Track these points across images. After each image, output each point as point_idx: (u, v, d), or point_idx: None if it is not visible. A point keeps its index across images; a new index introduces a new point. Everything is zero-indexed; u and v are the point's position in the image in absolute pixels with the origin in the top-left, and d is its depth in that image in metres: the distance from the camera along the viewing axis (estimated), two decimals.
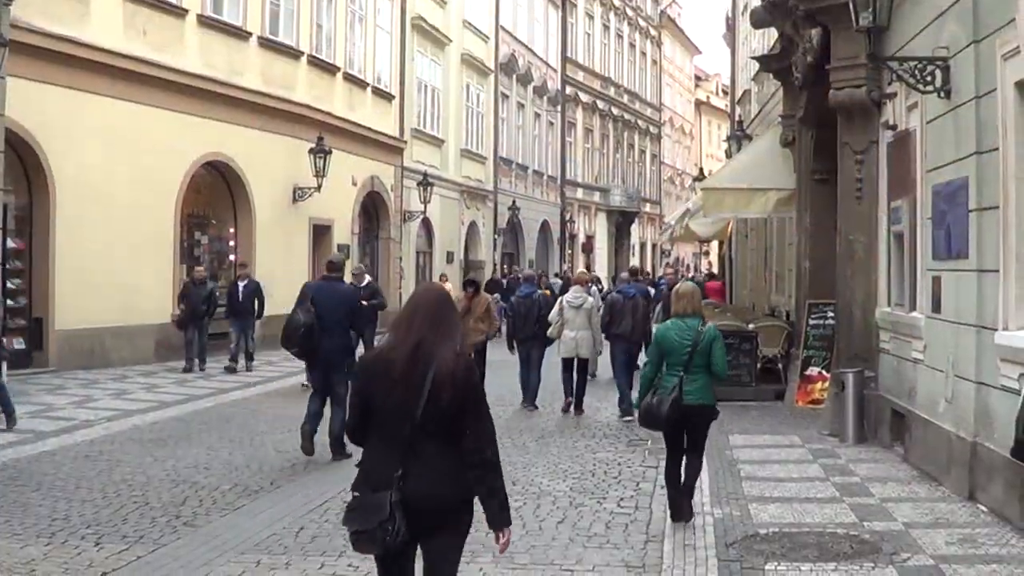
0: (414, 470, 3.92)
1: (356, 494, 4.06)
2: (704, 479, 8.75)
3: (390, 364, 4.04)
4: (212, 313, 16.77)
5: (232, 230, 20.71)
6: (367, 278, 15.90)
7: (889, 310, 10.66)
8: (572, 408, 13.17)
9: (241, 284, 17.08)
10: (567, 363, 13.24)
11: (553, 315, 13.32)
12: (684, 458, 7.48)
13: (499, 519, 4.06)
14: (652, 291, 25.01)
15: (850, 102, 10.98)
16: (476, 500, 4.08)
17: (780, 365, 15.08)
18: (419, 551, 4.10)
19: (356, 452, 4.54)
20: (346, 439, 8.42)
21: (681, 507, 7.37)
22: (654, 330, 8.17)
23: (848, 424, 10.72)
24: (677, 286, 7.97)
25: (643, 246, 55.82)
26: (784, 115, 15.31)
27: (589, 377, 14.04)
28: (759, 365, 14.69)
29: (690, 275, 43.60)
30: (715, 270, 36.89)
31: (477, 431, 4.01)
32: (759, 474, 9.18)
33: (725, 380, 7.81)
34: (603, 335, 13.25)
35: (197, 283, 16.72)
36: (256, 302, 16.89)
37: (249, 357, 16.97)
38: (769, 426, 12.04)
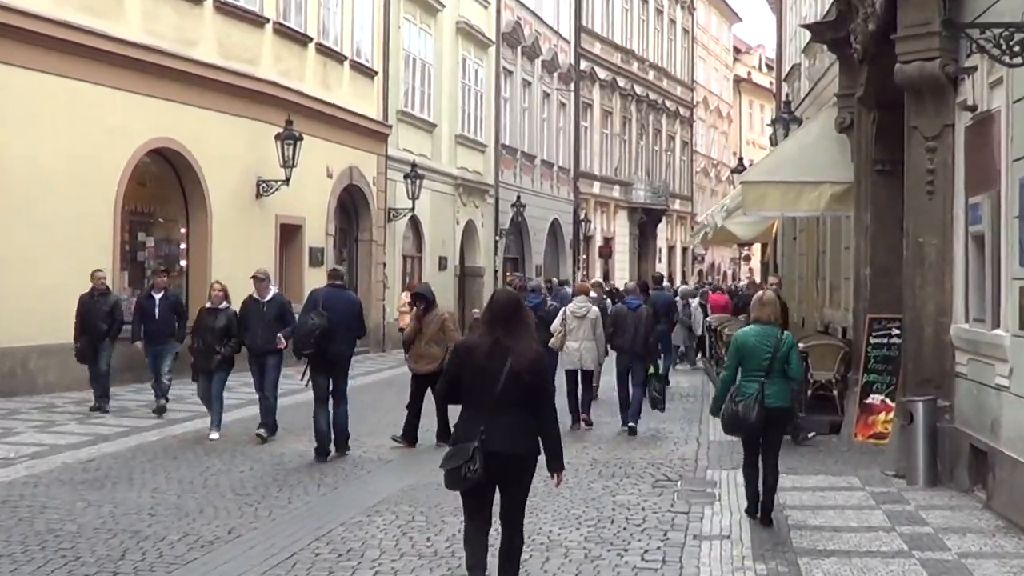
0: (493, 429, 6.30)
1: (451, 447, 6.49)
2: (745, 528, 8.76)
3: (475, 353, 6.49)
4: (116, 333, 15.32)
5: (183, 230, 20.69)
6: (272, 290, 13.75)
7: (967, 327, 10.60)
8: (581, 424, 14.76)
9: (157, 296, 15.42)
10: (571, 376, 14.77)
11: (555, 325, 14.91)
12: (760, 463, 9.08)
13: (553, 465, 6.57)
14: (695, 302, 25.33)
15: (920, 78, 10.94)
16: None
17: (835, 392, 15.03)
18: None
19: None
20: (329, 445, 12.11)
21: (760, 510, 9.02)
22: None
23: (918, 463, 10.67)
24: (760, 294, 9.97)
25: (671, 250, 55.87)
26: (840, 94, 15.29)
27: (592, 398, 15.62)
28: (810, 392, 14.62)
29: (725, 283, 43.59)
30: (756, 278, 36.89)
31: (546, 404, 6.56)
32: (811, 522, 9.15)
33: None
34: (608, 346, 14.95)
35: (96, 295, 15.19)
36: (176, 320, 15.43)
37: (161, 394, 15.18)
38: (823, 465, 12.01)
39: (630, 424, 14.38)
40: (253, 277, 13.43)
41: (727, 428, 9.24)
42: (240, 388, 17.07)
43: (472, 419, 6.41)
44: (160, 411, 15.00)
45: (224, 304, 13.33)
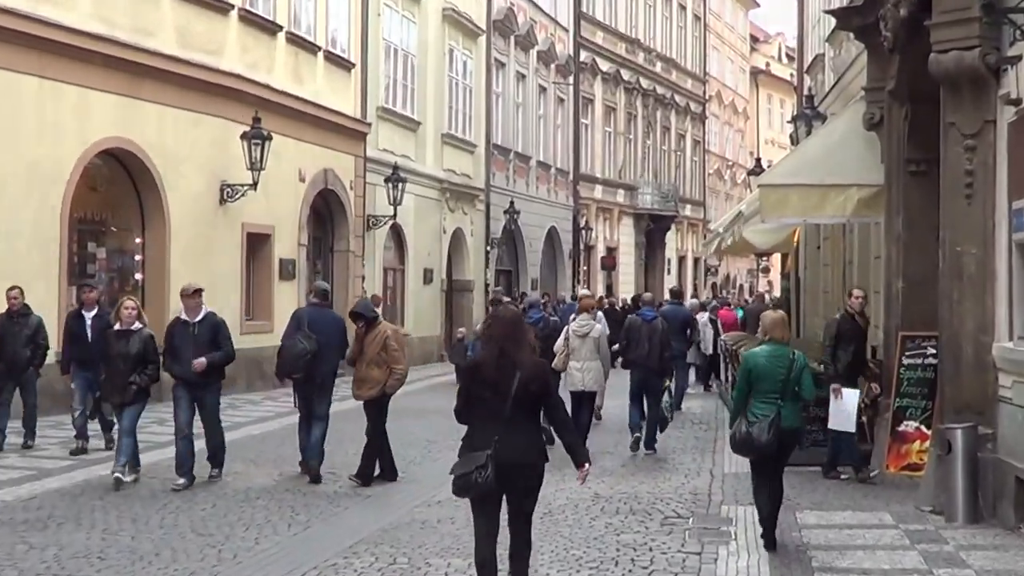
0: (506, 438, 7.20)
1: (459, 457, 7.35)
2: (764, 570, 8.76)
3: (482, 369, 7.46)
4: (41, 361, 14.79)
5: (139, 240, 20.66)
6: (205, 309, 12.83)
7: (1011, 345, 10.62)
8: None
9: (88, 315, 14.57)
10: (575, 398, 15.13)
11: (558, 345, 15.53)
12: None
13: (578, 458, 7.65)
14: (704, 317, 25.32)
15: (958, 69, 10.93)
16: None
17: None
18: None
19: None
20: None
21: (764, 532, 9.73)
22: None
23: (957, 497, 10.67)
24: (769, 312, 10.66)
25: (682, 260, 55.97)
26: (869, 87, 15.28)
27: (594, 420, 16.37)
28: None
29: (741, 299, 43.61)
30: (776, 291, 36.90)
31: (557, 407, 7.67)
32: (838, 564, 9.15)
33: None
34: (619, 360, 15.92)
35: (15, 316, 14.49)
36: None
37: (106, 427, 14.61)
38: (850, 499, 12.00)
39: (647, 452, 15.23)
40: (183, 293, 12.77)
41: (737, 449, 9.94)
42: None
43: (483, 431, 7.29)
44: (108, 443, 14.48)
45: (137, 325, 12.39)
